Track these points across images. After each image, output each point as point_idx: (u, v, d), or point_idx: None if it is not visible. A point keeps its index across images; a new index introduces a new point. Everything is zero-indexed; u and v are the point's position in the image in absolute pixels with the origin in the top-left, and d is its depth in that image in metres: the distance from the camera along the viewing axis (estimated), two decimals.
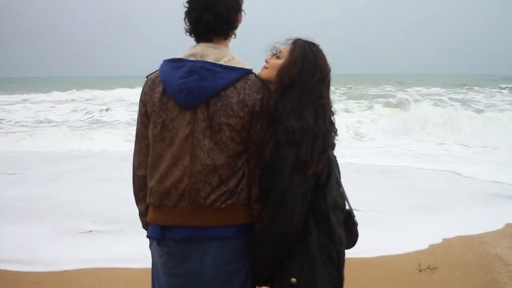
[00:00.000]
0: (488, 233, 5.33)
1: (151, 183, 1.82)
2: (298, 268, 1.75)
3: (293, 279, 1.73)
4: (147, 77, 1.89)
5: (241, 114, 1.74)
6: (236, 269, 1.82)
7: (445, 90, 35.70)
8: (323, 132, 1.73)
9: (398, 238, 5.17)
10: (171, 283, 1.85)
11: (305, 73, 1.76)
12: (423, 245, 4.92)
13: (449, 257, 4.63)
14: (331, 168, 1.82)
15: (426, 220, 5.82)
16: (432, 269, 4.26)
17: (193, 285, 1.81)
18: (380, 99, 27.07)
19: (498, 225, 5.59)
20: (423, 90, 37.04)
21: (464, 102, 24.89)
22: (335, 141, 1.87)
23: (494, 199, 6.88)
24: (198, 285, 1.81)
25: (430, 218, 5.89)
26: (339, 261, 1.83)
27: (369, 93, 34.54)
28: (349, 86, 42.03)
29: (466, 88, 37.04)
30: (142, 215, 1.97)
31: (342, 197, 1.89)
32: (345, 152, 10.29)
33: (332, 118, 1.83)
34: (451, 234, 5.26)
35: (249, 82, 1.78)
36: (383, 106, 20.53)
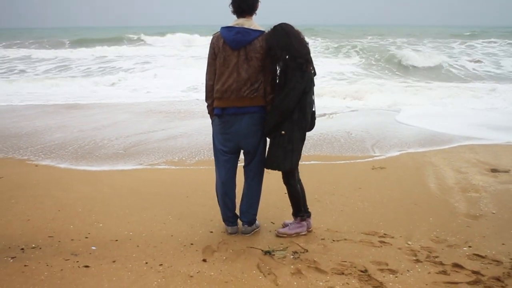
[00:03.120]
0: (432, 150, 7.39)
1: (217, 87, 3.75)
2: (286, 127, 3.73)
3: (283, 132, 3.73)
4: (212, 35, 3.80)
5: (261, 52, 3.67)
6: (257, 129, 3.81)
7: None
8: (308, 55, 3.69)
9: (363, 152, 7.24)
10: (224, 138, 3.85)
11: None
12: (381, 156, 6.99)
13: (396, 162, 6.69)
14: (312, 85, 3.78)
15: (388, 140, 7.88)
16: (381, 168, 6.31)
17: (235, 137, 3.80)
18: None
19: (444, 146, 7.65)
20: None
21: None
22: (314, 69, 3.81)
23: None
24: (238, 138, 3.80)
25: (390, 141, 7.95)
26: (305, 127, 3.82)
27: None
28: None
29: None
30: (209, 106, 3.91)
31: (313, 102, 3.86)
32: None
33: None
34: (403, 150, 7.35)
35: (263, 36, 3.70)
36: None
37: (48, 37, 44.04)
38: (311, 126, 3.95)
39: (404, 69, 21.11)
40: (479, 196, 5.15)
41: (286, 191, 4.07)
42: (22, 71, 20.73)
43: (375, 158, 6.90)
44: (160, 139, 8.10)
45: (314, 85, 3.85)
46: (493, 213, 4.63)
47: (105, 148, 7.42)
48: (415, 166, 6.42)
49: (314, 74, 3.82)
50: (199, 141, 7.87)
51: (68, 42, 37.22)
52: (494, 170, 6.19)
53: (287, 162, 3.77)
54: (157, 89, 15.11)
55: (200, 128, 8.83)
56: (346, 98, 12.88)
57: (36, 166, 6.45)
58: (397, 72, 20.55)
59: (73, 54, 26.79)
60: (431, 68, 21.02)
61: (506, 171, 6.13)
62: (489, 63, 23.21)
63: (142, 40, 39.30)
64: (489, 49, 31.55)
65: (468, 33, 49.10)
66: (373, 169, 6.28)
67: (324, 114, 10.36)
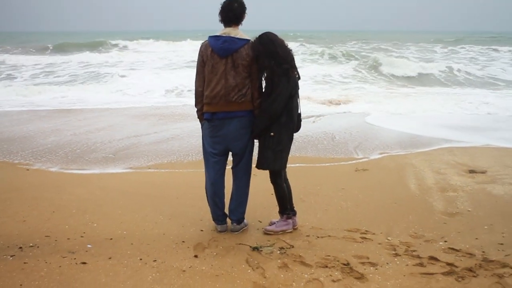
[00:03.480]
0: (413, 153, 7.69)
1: (206, 93, 3.97)
2: (274, 129, 3.96)
3: (272, 133, 3.96)
4: (201, 44, 4.01)
5: (247, 59, 3.89)
6: (245, 132, 4.03)
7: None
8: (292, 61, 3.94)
9: (347, 154, 7.51)
10: (214, 141, 4.06)
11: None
12: (364, 159, 7.27)
13: (378, 164, 6.97)
14: (297, 89, 4.02)
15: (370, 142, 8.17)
16: (364, 170, 6.58)
17: (225, 140, 4.02)
18: None
19: (425, 148, 7.97)
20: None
21: None
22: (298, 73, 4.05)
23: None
24: (227, 141, 4.02)
25: (373, 142, 8.24)
26: (293, 128, 4.06)
27: None
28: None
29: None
30: (199, 111, 4.12)
31: (298, 104, 4.10)
32: None
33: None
34: (386, 152, 7.64)
35: (249, 44, 3.92)
36: None
37: (27, 42, 44.29)
38: (297, 127, 4.19)
39: (386, 74, 21.50)
40: (456, 195, 5.43)
41: (272, 192, 4.30)
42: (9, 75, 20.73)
43: (358, 160, 7.18)
44: (150, 142, 8.29)
45: (299, 88, 4.10)
46: (469, 210, 4.91)
47: (96, 152, 7.58)
48: (397, 168, 6.70)
49: (299, 78, 4.07)
50: (189, 144, 8.07)
51: (51, 47, 37.43)
52: (471, 171, 6.49)
53: (277, 162, 4.02)
54: (144, 93, 15.33)
55: (191, 131, 9.03)
56: (329, 102, 13.28)
57: (28, 170, 6.59)
58: (379, 77, 20.96)
59: (56, 59, 26.83)
60: (413, 75, 21.43)
61: (483, 172, 6.44)
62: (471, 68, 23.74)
63: (125, 46, 40.19)
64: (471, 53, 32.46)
65: (452, 39, 50.41)
66: (356, 171, 6.54)
67: (309, 117, 10.64)
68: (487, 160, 7.15)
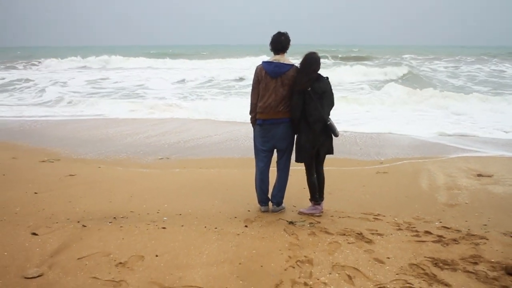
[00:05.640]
0: (431, 160, 8.86)
1: (260, 104, 5.34)
2: (300, 131, 5.31)
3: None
4: (256, 67, 5.40)
5: (292, 80, 5.26)
6: (288, 134, 5.38)
7: None
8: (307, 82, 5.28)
9: (370, 156, 8.75)
10: (263, 140, 5.45)
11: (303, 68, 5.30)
12: (386, 164, 8.49)
13: (398, 168, 8.18)
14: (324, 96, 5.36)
15: (390, 149, 9.37)
16: (384, 173, 7.80)
17: (272, 140, 5.39)
18: None
19: (444, 156, 9.12)
20: None
21: None
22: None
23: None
24: (274, 140, 5.39)
25: (393, 150, 9.44)
26: (311, 133, 5.38)
27: None
28: None
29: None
30: (253, 117, 5.51)
31: (312, 112, 5.42)
32: None
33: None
34: (404, 158, 8.84)
35: (293, 68, 5.29)
36: None
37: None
38: (335, 133, 5.47)
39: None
40: (460, 192, 6.61)
41: (305, 186, 5.63)
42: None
43: (380, 165, 8.42)
44: (194, 146, 9.76)
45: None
46: (466, 203, 6.09)
47: (155, 154, 9.11)
48: (414, 172, 7.89)
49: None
50: (237, 146, 9.49)
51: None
52: (479, 175, 7.63)
53: (298, 157, 5.42)
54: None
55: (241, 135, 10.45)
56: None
57: (99, 167, 8.12)
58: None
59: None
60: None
61: (489, 176, 7.56)
62: None
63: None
64: None
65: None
66: (377, 173, 7.78)
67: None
68: (497, 167, 8.25)
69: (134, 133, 11.69)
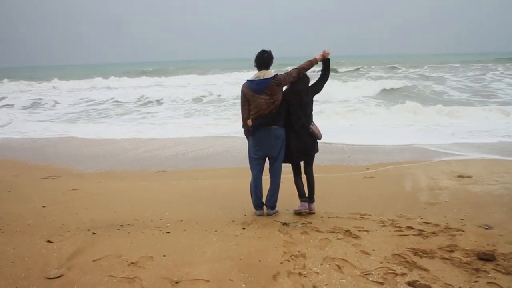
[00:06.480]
0: (415, 164, 9.41)
1: (252, 113, 5.85)
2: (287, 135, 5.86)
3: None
4: (242, 86, 5.92)
5: (276, 91, 5.79)
6: (279, 142, 5.90)
7: None
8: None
9: (357, 162, 9.29)
10: (256, 149, 5.96)
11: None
12: (372, 169, 9.03)
13: (384, 173, 8.72)
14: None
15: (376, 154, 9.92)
16: (371, 177, 8.34)
17: (265, 145, 5.90)
18: None
19: (428, 161, 9.68)
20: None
21: None
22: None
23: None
24: (266, 145, 5.90)
25: (381, 154, 10.00)
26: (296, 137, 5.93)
27: None
28: None
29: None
30: (246, 130, 6.02)
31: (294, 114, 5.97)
32: None
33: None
34: (390, 164, 9.39)
35: (275, 77, 5.81)
36: None
37: None
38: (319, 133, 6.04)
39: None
40: (441, 192, 7.15)
41: (295, 192, 6.15)
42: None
43: (366, 171, 8.96)
44: (191, 157, 10.24)
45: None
46: (446, 201, 6.63)
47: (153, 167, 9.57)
48: (399, 175, 8.44)
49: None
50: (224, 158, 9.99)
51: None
52: (460, 176, 8.19)
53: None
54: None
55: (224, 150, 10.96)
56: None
57: (99, 182, 8.57)
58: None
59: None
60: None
61: (469, 177, 8.13)
62: None
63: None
64: None
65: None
66: (364, 178, 8.31)
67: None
68: (477, 169, 8.82)
69: (133, 148, 12.17)
